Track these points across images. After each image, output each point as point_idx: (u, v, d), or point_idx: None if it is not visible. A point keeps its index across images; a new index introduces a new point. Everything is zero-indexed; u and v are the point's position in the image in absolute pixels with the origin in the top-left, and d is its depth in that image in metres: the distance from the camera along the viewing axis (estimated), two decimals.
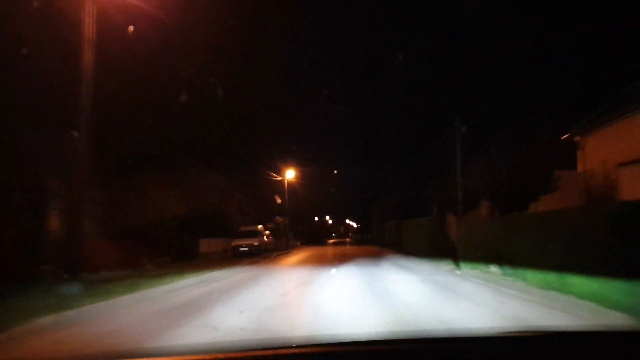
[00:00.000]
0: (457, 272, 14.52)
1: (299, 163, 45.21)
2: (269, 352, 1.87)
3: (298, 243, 53.64)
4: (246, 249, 28.20)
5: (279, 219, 42.59)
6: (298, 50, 60.99)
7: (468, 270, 14.31)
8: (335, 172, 78.72)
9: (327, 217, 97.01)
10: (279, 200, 43.00)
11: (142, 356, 2.11)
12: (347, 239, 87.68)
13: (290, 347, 1.96)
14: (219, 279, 14.50)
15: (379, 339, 2.26)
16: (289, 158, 43.58)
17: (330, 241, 76.87)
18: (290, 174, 43.10)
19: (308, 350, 1.91)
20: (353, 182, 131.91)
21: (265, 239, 32.97)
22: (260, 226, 31.75)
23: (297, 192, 49.79)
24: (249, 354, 1.86)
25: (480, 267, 13.79)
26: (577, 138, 17.50)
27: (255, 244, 28.76)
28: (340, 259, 23.19)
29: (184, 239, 24.94)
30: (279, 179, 42.03)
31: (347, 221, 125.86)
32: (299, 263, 21.79)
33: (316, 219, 79.27)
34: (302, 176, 48.53)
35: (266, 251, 31.67)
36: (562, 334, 2.40)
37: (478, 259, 14.12)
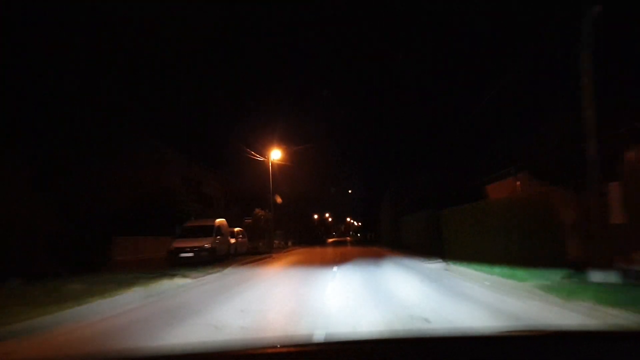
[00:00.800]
0: None
1: (296, 154, 35.10)
2: (267, 351, 1.85)
3: (289, 243, 43.24)
4: (190, 254, 17.60)
5: (259, 211, 31.90)
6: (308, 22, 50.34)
7: None
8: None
9: (327, 215, 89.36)
10: (279, 200, 32.58)
11: (142, 356, 2.14)
12: (348, 238, 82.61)
13: (289, 346, 1.90)
14: None
15: (378, 338, 2.18)
16: (285, 146, 33.11)
17: (330, 240, 72.04)
18: (276, 155, 32.31)
19: (307, 349, 1.90)
20: (356, 176, 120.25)
21: (231, 239, 22.46)
22: (219, 220, 21.01)
23: (294, 188, 40.66)
24: (247, 352, 1.86)
25: None
26: None
27: (207, 246, 18.09)
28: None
29: (65, 240, 14.31)
30: (261, 159, 31.26)
31: (348, 219, 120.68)
32: (246, 300, 11.21)
33: (316, 216, 70.79)
34: (301, 173, 39.67)
35: (231, 255, 21.11)
36: (562, 333, 2.25)
37: None
